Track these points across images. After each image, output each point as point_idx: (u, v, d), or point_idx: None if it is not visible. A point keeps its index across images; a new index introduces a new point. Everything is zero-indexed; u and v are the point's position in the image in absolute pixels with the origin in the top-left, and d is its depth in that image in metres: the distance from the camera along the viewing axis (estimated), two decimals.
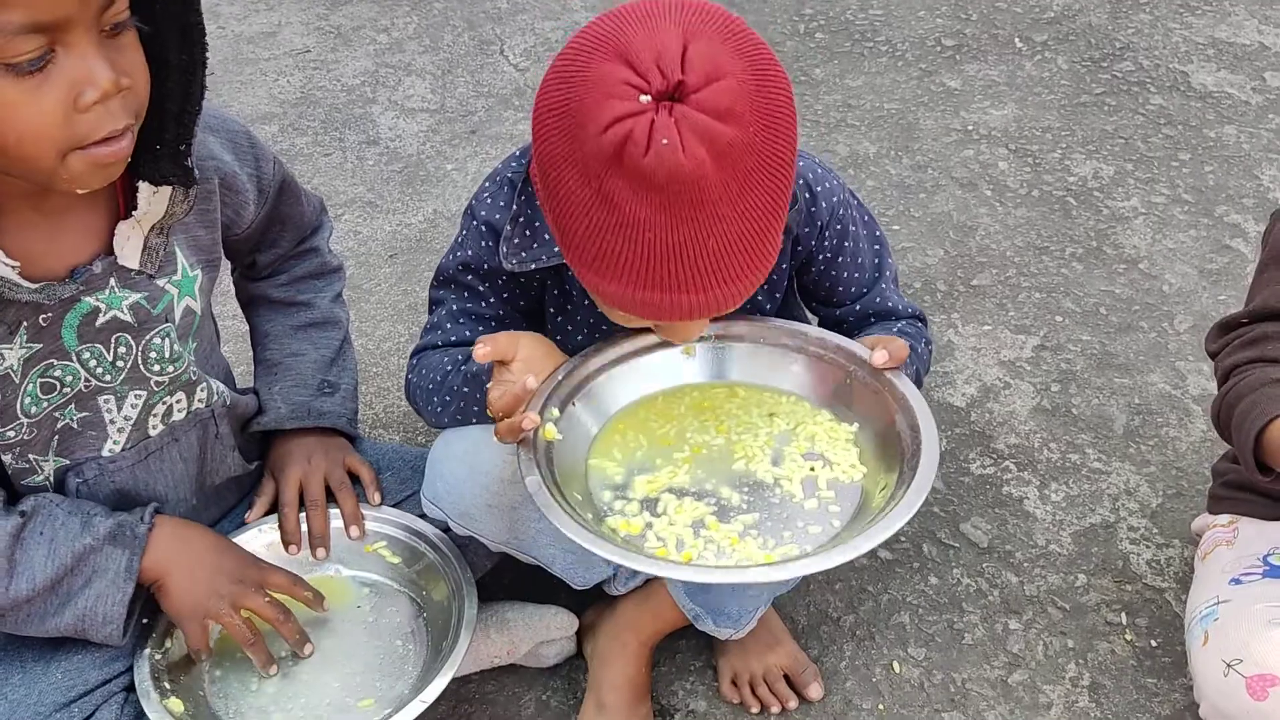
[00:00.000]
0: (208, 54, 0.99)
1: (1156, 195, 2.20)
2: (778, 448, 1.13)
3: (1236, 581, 1.24)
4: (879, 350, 1.13)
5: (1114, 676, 1.37)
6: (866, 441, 1.13)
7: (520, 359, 1.10)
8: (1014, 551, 1.54)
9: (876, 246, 1.31)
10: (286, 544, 1.30)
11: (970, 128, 2.42)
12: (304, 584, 1.22)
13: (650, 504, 1.07)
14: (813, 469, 1.09)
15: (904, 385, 1.12)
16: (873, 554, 1.54)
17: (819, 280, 1.28)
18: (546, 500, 1.01)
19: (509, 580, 1.42)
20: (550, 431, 1.09)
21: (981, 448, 1.70)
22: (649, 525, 1.05)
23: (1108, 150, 2.33)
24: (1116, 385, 1.79)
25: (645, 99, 0.91)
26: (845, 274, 1.28)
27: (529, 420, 1.05)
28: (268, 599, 1.18)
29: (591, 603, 1.41)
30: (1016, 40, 2.71)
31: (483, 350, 1.07)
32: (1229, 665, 1.16)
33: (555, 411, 1.10)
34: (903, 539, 1.56)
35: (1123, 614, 1.45)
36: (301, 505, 1.32)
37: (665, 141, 0.90)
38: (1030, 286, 1.99)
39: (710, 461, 1.12)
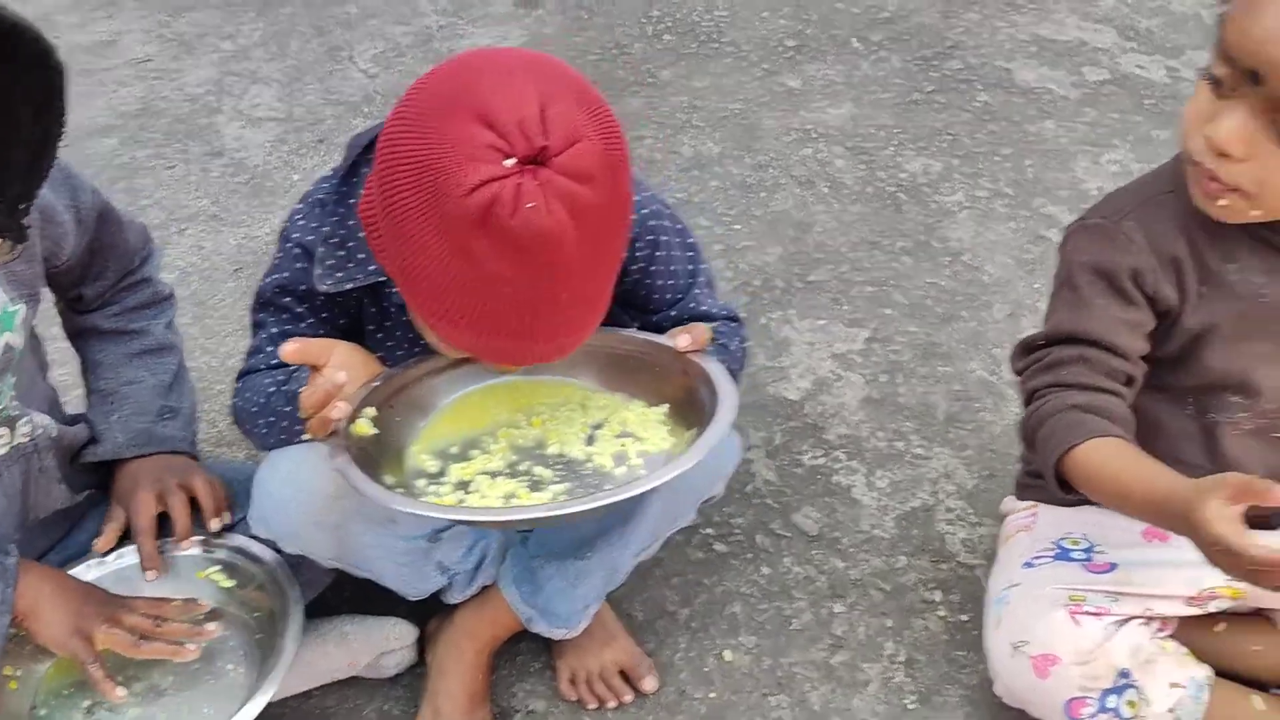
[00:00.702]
0: (64, 128, 1.00)
1: (980, 189, 2.32)
2: (591, 433, 1.19)
3: (1029, 565, 1.33)
4: (681, 335, 1.19)
5: (927, 651, 1.47)
6: (676, 419, 1.20)
7: (334, 364, 1.13)
8: (841, 538, 1.62)
9: (690, 254, 1.37)
10: (146, 569, 1.29)
11: (809, 127, 2.52)
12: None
13: (464, 485, 1.13)
14: (623, 445, 1.15)
15: (705, 361, 1.18)
16: (707, 547, 1.61)
17: (634, 288, 1.34)
18: (354, 474, 1.05)
19: (350, 594, 1.44)
20: (363, 427, 1.12)
21: (814, 439, 1.78)
22: (461, 501, 1.10)
23: (936, 146, 2.45)
24: (939, 374, 1.89)
25: (509, 162, 0.95)
26: (660, 281, 1.34)
27: (337, 410, 1.08)
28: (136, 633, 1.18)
29: (435, 612, 1.44)
30: (854, 40, 2.82)
31: (291, 348, 1.10)
32: (1015, 646, 1.25)
33: (372, 410, 1.14)
34: (737, 531, 1.63)
35: (937, 592, 1.54)
36: (161, 530, 1.32)
37: (531, 205, 0.95)
38: (863, 281, 2.09)
39: (525, 448, 1.18)
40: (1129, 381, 1.19)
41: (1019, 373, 1.27)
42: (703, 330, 1.20)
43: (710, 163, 2.40)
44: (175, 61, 2.72)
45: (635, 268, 1.31)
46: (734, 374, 1.37)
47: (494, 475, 1.12)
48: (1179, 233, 1.17)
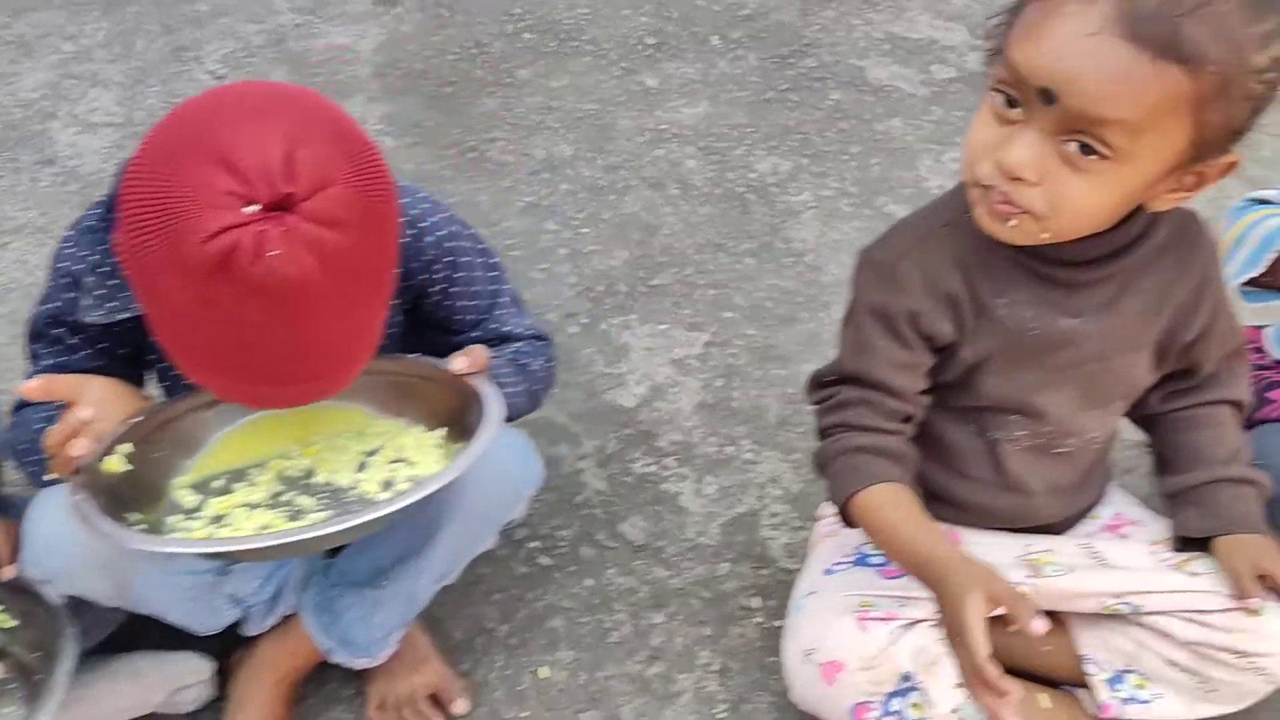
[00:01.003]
0: None
1: (826, 189, 2.34)
2: (365, 460, 1.17)
3: (829, 571, 1.35)
4: (458, 359, 1.18)
5: (741, 659, 1.48)
6: (454, 442, 1.19)
7: (86, 400, 1.10)
8: (666, 547, 1.63)
9: (492, 274, 1.36)
10: None
11: (664, 127, 2.51)
12: None
13: (219, 519, 1.11)
14: (394, 471, 1.15)
15: (480, 383, 1.17)
16: (532, 561, 1.60)
17: (435, 311, 1.33)
18: (87, 510, 1.02)
19: (159, 627, 1.41)
20: (114, 463, 1.09)
21: (646, 446, 1.78)
22: (211, 535, 1.08)
23: (787, 146, 2.46)
24: (773, 377, 1.91)
25: (251, 209, 0.93)
26: (461, 303, 1.33)
27: (77, 446, 1.05)
28: None
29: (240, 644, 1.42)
30: (714, 37, 2.82)
31: (34, 385, 1.07)
32: (806, 654, 1.27)
33: (127, 447, 1.11)
34: (563, 543, 1.63)
35: (756, 598, 1.56)
36: None
37: (274, 253, 0.93)
38: (706, 284, 2.10)
39: (293, 479, 1.17)
40: (908, 419, 1.25)
41: (813, 404, 1.30)
42: (479, 352, 1.19)
43: (562, 165, 2.39)
44: (12, 65, 2.62)
45: (434, 289, 1.30)
46: (536, 394, 1.37)
47: (253, 507, 1.11)
48: (955, 268, 1.18)
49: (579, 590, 1.57)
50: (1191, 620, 1.28)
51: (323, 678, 1.44)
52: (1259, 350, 1.69)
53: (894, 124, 2.53)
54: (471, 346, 1.20)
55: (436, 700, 1.40)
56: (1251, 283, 1.45)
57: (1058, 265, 1.17)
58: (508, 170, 2.36)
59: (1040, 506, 1.36)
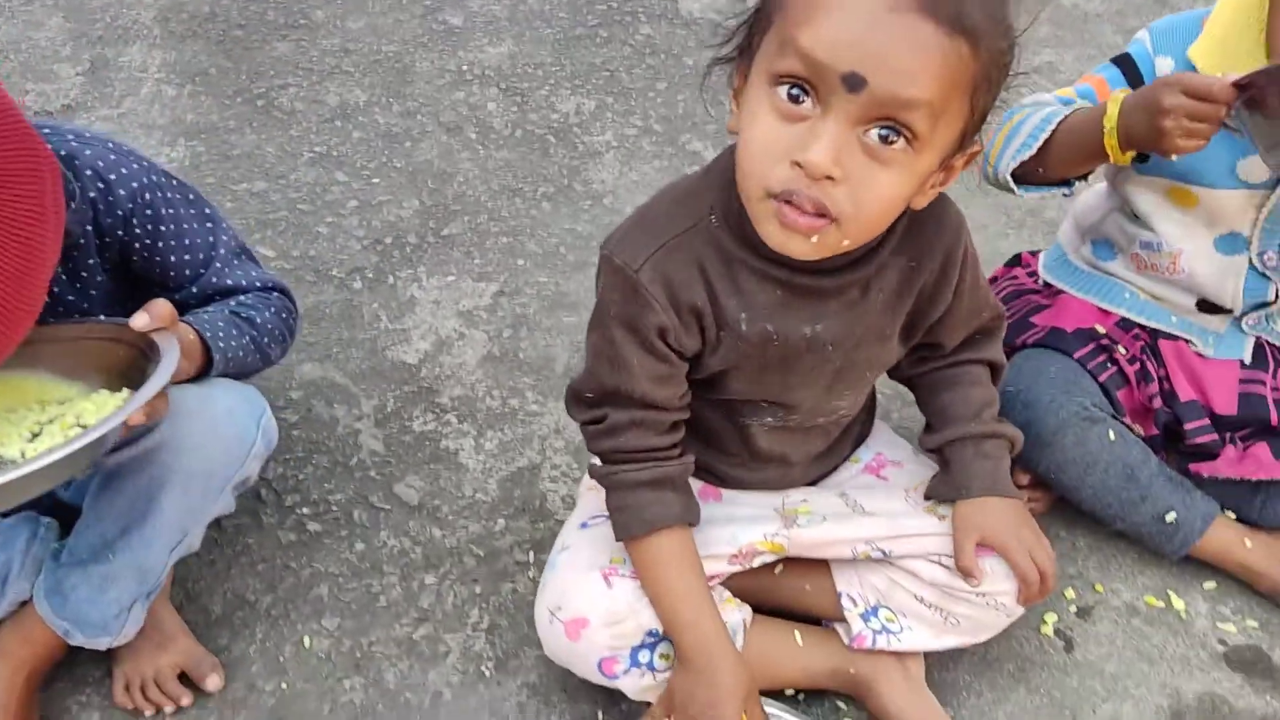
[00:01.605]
0: None
1: (630, 127, 2.30)
2: (40, 430, 1.11)
3: (584, 526, 1.34)
4: (139, 315, 1.12)
5: (510, 616, 1.47)
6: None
7: None
8: (442, 506, 1.60)
9: (208, 225, 1.30)
10: None
11: (465, 68, 2.44)
12: None
13: None
14: (66, 436, 1.09)
15: (162, 339, 1.12)
16: (301, 528, 1.55)
17: (146, 268, 1.27)
18: None
19: None
20: None
21: (427, 404, 1.74)
22: None
23: (593, 84, 2.41)
24: (564, 325, 1.88)
25: None
26: (173, 257, 1.27)
27: None
28: None
29: None
30: None
31: None
32: (553, 613, 1.26)
33: None
34: (334, 508, 1.59)
35: (531, 552, 1.54)
36: None
37: None
38: (499, 231, 2.05)
39: None
40: (677, 425, 1.23)
41: (580, 422, 1.25)
42: (160, 306, 1.13)
43: (356, 112, 2.30)
44: None
45: (139, 246, 1.24)
46: (266, 347, 1.32)
47: None
48: (697, 279, 1.12)
49: (349, 556, 1.53)
50: (937, 563, 1.32)
51: (71, 661, 1.38)
52: (1032, 274, 1.72)
53: (704, 57, 2.49)
54: (152, 301, 1.14)
55: (188, 678, 1.36)
56: (1025, 181, 1.45)
57: (804, 274, 1.12)
58: (297, 119, 2.26)
59: (798, 474, 1.38)
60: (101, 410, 1.11)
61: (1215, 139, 1.42)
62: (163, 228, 1.24)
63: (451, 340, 1.84)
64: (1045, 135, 1.38)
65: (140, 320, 1.11)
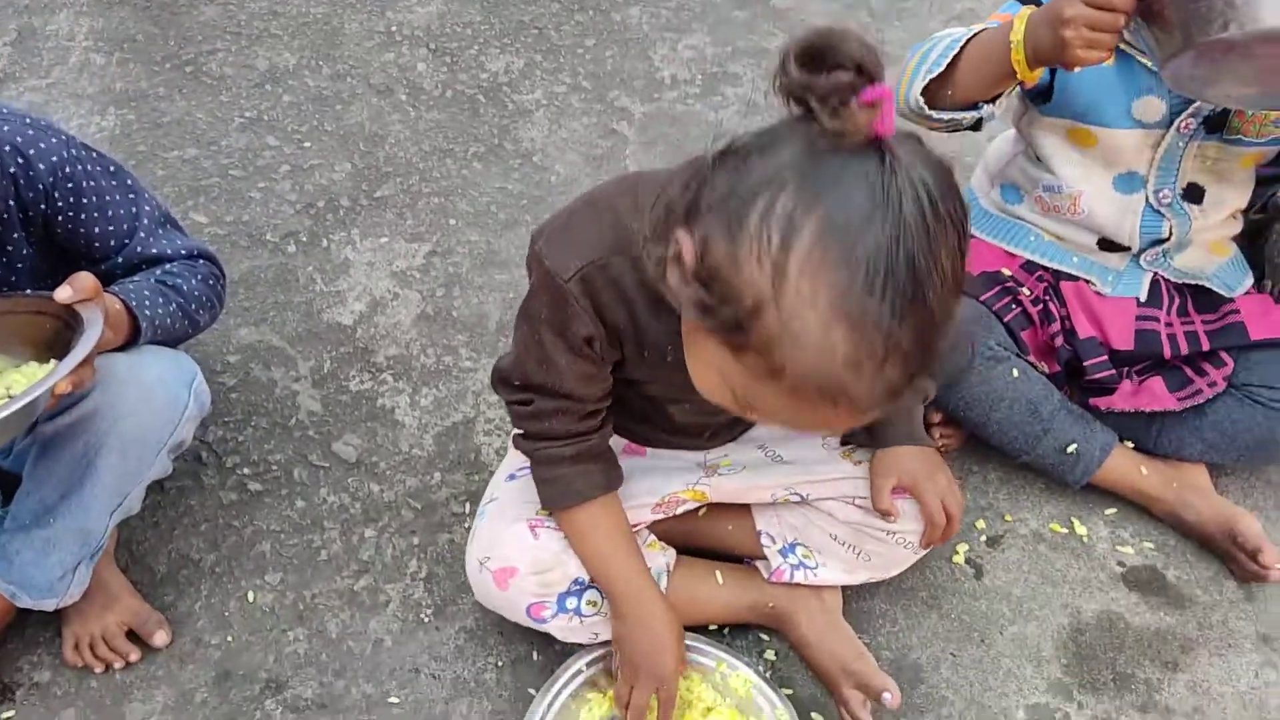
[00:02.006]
0: None
1: (559, 85, 2.33)
2: None
3: (512, 477, 1.39)
4: (62, 288, 1.15)
5: (447, 565, 1.53)
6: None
7: None
8: (379, 462, 1.65)
9: (130, 196, 1.33)
10: None
11: (394, 29, 2.45)
12: None
13: None
14: None
15: (86, 311, 1.15)
16: (242, 488, 1.60)
17: (70, 240, 1.30)
18: None
19: None
20: None
21: (363, 363, 1.79)
22: None
23: (521, 42, 2.43)
24: (496, 282, 1.93)
25: None
26: (96, 229, 1.30)
27: None
28: None
29: None
30: None
31: None
32: (481, 562, 1.32)
33: None
34: (274, 467, 1.63)
35: (467, 504, 1.61)
36: None
37: None
38: (430, 192, 2.08)
39: None
40: (598, 413, 1.26)
41: (506, 402, 1.28)
42: (84, 279, 1.16)
43: (285, 75, 2.31)
44: None
45: (61, 219, 1.27)
46: (194, 314, 1.35)
47: None
48: (619, 303, 1.13)
49: (290, 513, 1.58)
50: (851, 504, 1.40)
51: (22, 624, 1.43)
52: None
53: (632, 13, 2.52)
54: (75, 274, 1.17)
55: (136, 636, 1.42)
56: (936, 105, 1.47)
57: None
58: (227, 84, 2.27)
59: (720, 438, 1.44)
60: (31, 381, 1.15)
61: (1111, 79, 1.48)
62: (84, 200, 1.27)
63: (386, 300, 1.89)
64: (955, 53, 1.40)
65: (64, 293, 1.14)
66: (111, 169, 1.30)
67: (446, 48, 2.40)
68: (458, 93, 2.30)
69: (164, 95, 2.23)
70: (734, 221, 0.85)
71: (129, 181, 1.32)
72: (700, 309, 0.88)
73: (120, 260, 1.32)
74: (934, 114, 1.43)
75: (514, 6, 2.52)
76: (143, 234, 1.33)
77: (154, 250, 1.33)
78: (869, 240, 0.81)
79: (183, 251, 1.36)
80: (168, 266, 1.34)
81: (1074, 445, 1.59)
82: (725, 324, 0.88)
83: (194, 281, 1.35)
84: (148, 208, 1.34)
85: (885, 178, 0.82)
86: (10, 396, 1.13)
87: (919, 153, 0.85)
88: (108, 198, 1.29)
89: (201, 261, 1.38)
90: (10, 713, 1.36)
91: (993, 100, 1.44)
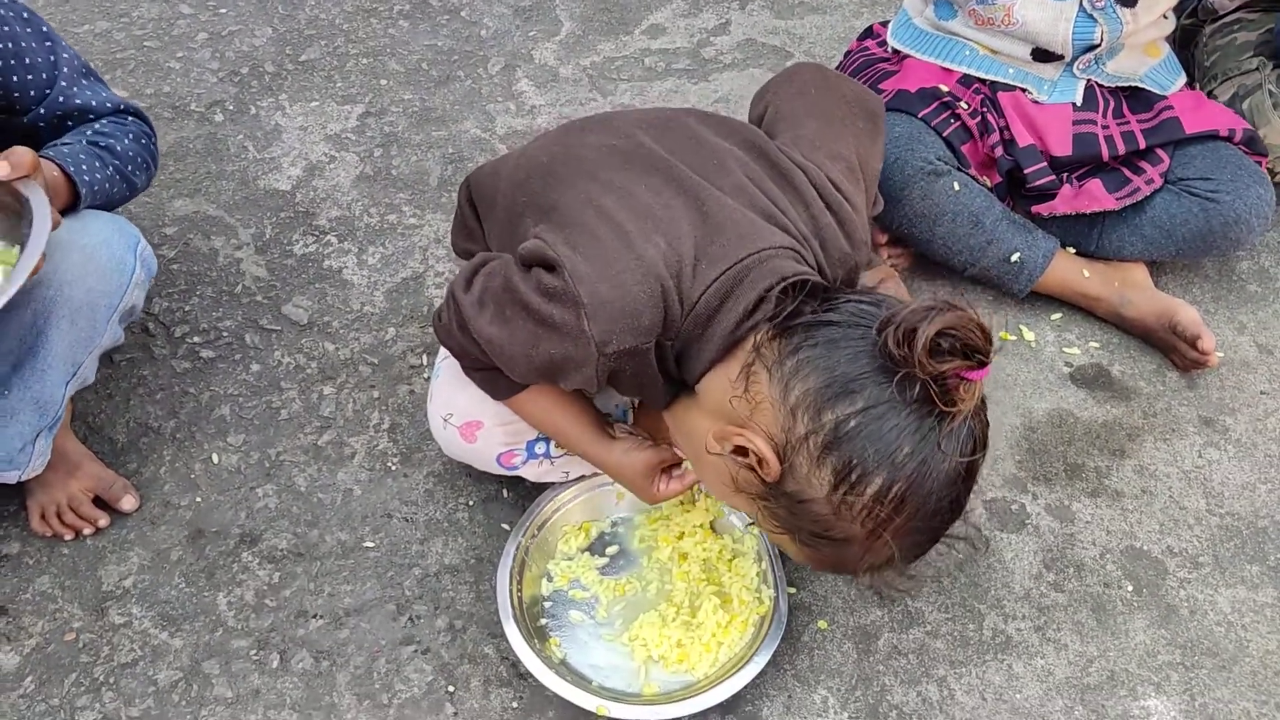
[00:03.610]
0: None
1: None
2: None
3: None
4: (1, 163, 1.12)
5: (410, 415, 1.54)
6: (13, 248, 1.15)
7: None
8: (332, 321, 1.64)
9: (48, 44, 1.28)
10: None
11: None
12: None
13: None
14: None
15: (28, 190, 1.12)
16: (195, 356, 1.59)
17: None
18: None
19: None
20: None
21: (305, 227, 1.76)
22: None
23: None
24: (434, 139, 1.90)
25: None
26: (15, 78, 1.25)
27: None
28: None
29: None
30: None
31: None
32: (445, 420, 1.33)
33: None
34: (225, 334, 1.62)
35: (424, 355, 1.60)
36: None
37: None
38: (358, 53, 2.03)
39: None
40: None
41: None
42: (21, 153, 1.12)
43: None
44: None
45: None
46: (131, 175, 1.32)
47: None
48: (633, 375, 1.11)
49: (246, 377, 1.57)
50: None
51: None
52: (882, 44, 1.78)
53: None
54: (11, 149, 1.13)
55: (102, 503, 1.41)
56: None
57: None
58: None
59: None
60: None
61: None
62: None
63: (322, 164, 1.85)
64: None
65: (1, 169, 1.11)
66: (25, 15, 1.25)
67: None
68: None
69: None
70: (846, 481, 0.96)
71: (44, 29, 1.27)
72: (759, 494, 1.03)
73: (43, 111, 1.27)
74: None
75: None
76: (64, 83, 1.28)
77: (78, 101, 1.29)
78: (950, 505, 0.99)
79: (108, 105, 1.32)
80: (97, 126, 1.30)
81: (1017, 254, 1.62)
82: (774, 510, 1.03)
83: (126, 141, 1.31)
84: (65, 55, 1.29)
85: (972, 449, 0.96)
86: None
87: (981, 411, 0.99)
88: (24, 45, 1.24)
89: (131, 119, 1.34)
90: None
91: None
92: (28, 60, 1.24)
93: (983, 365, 0.92)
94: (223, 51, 2.00)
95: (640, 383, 1.11)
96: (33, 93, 1.26)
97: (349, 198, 1.80)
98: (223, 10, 2.07)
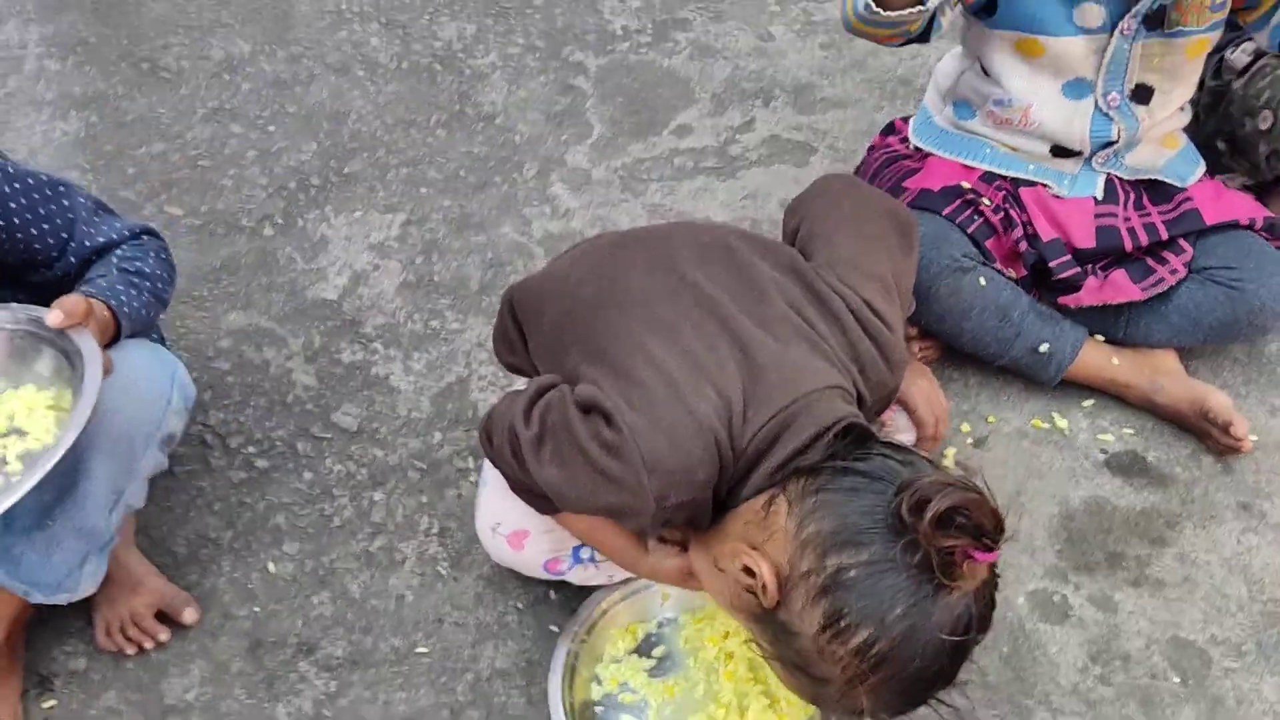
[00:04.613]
0: None
1: (512, 46, 2.35)
2: None
3: None
4: (53, 312, 1.18)
5: (458, 518, 1.58)
6: (66, 390, 1.21)
7: None
8: (380, 428, 1.70)
9: (49, 193, 1.32)
10: None
11: (344, 6, 2.46)
12: None
13: None
14: (3, 445, 1.16)
15: (80, 339, 1.18)
16: (250, 466, 1.64)
17: (13, 254, 1.30)
18: None
19: None
20: None
21: (352, 335, 1.82)
22: None
23: (471, 8, 2.45)
24: (473, 244, 1.96)
25: None
26: (36, 245, 1.30)
27: None
28: None
29: None
30: None
31: None
32: (493, 529, 1.37)
33: None
34: (278, 443, 1.67)
35: (470, 459, 1.65)
36: None
37: None
38: (398, 163, 2.11)
39: None
40: None
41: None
42: (74, 303, 1.18)
43: (242, 63, 2.32)
44: None
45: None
46: (161, 292, 1.37)
47: None
48: (683, 520, 1.17)
49: (299, 485, 1.63)
50: None
51: (54, 615, 1.46)
52: (904, 140, 1.84)
53: None
54: (63, 299, 1.19)
55: (166, 616, 1.46)
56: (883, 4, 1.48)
57: None
58: (185, 77, 2.28)
59: None
60: (32, 410, 1.19)
61: None
62: (14, 220, 1.27)
63: (367, 272, 1.92)
64: None
65: (54, 318, 1.17)
66: (31, 181, 1.30)
67: (397, 20, 2.42)
68: (414, 63, 2.32)
69: (124, 94, 2.23)
70: (833, 626, 0.99)
71: (44, 178, 1.32)
72: (755, 614, 1.08)
73: (73, 260, 1.33)
74: (884, 12, 1.45)
75: None
76: (82, 227, 1.33)
77: (100, 240, 1.34)
78: (935, 674, 1.00)
79: (126, 233, 1.37)
80: (119, 252, 1.35)
81: (1046, 344, 1.65)
82: (764, 633, 1.08)
83: (150, 260, 1.36)
84: (80, 199, 1.34)
85: (966, 629, 0.98)
86: (15, 427, 1.17)
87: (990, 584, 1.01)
88: (40, 210, 1.29)
89: (146, 238, 1.40)
90: (52, 702, 1.40)
91: None
92: (45, 225, 1.30)
93: (990, 549, 0.95)
94: (271, 167, 2.09)
95: (690, 518, 1.15)
96: (51, 240, 1.31)
97: (393, 305, 1.87)
98: (271, 128, 2.17)
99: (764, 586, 1.03)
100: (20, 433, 1.16)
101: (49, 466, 1.08)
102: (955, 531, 0.94)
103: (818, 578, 1.00)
